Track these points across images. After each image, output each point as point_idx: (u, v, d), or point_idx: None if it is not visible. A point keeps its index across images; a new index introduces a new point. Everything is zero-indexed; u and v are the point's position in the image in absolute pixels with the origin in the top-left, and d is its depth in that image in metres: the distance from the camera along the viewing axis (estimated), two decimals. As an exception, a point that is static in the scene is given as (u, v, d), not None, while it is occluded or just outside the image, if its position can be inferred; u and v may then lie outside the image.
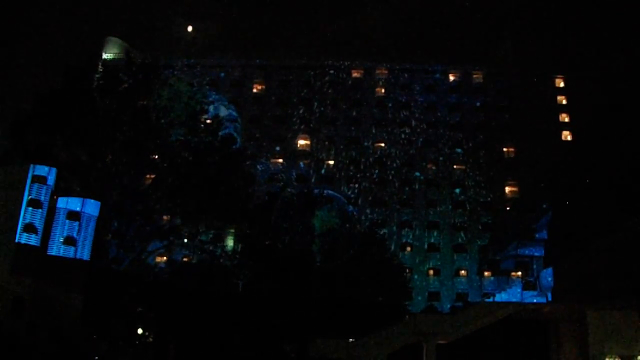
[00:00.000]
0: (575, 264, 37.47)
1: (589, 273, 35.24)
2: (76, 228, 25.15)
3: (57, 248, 24.76)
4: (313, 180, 77.17)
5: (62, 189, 29.40)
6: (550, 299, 40.79)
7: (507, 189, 77.28)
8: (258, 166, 73.12)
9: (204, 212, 41.35)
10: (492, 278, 70.07)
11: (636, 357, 35.10)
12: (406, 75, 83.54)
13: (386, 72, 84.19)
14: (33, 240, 23.92)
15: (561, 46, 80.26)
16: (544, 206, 45.85)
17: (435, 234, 75.15)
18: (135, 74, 42.03)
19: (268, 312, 37.01)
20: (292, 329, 37.66)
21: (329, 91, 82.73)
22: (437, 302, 71.30)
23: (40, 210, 24.13)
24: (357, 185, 78.06)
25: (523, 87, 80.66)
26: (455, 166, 78.67)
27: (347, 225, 50.90)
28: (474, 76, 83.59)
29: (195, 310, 34.67)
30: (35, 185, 24.28)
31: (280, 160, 79.67)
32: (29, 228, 23.81)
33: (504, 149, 79.27)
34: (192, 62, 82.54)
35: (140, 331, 33.77)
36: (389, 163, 78.87)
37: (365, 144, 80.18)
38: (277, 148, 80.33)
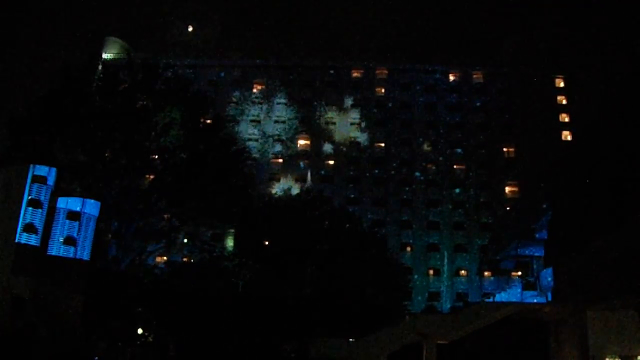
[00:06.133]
0: (575, 264, 37.42)
1: (589, 273, 35.19)
2: (76, 228, 25.13)
3: (57, 248, 24.73)
4: (313, 180, 77.16)
5: (62, 189, 29.38)
6: (550, 299, 40.70)
7: (507, 189, 77.32)
8: (258, 166, 73.16)
9: (204, 212, 41.37)
10: (492, 278, 69.94)
11: (636, 357, 35.05)
12: (406, 75, 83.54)
13: (386, 72, 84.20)
14: (33, 240, 23.89)
15: (561, 46, 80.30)
16: (544, 206, 45.76)
17: (435, 234, 75.14)
18: (135, 74, 42.02)
19: (268, 312, 37.00)
20: (292, 329, 37.65)
21: (329, 91, 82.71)
22: (437, 302, 71.31)
23: (40, 210, 24.10)
24: (357, 185, 78.06)
25: (523, 87, 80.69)
26: (455, 166, 78.70)
27: (348, 225, 50.82)
28: (474, 76, 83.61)
29: (195, 310, 34.66)
30: (35, 185, 24.25)
31: (280, 160, 79.67)
32: (29, 228, 23.78)
33: (504, 149, 79.31)
34: (192, 62, 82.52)
35: (140, 331, 33.76)
36: (389, 163, 78.87)
37: (366, 144, 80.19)
38: (277, 148, 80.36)
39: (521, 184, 75.99)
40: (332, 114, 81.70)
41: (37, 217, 24.03)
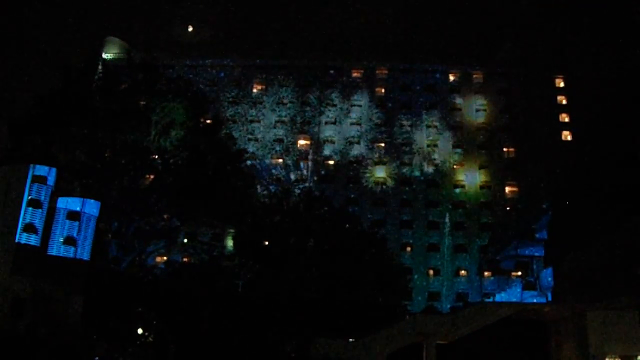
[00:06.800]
0: (575, 264, 37.46)
1: (589, 273, 35.24)
2: (76, 228, 25.15)
3: (57, 248, 24.76)
4: (313, 180, 77.20)
5: (62, 189, 29.38)
6: (550, 299, 40.76)
7: (507, 189, 77.26)
8: (258, 166, 73.25)
9: (204, 212, 41.37)
10: (492, 278, 70.00)
11: (636, 357, 35.08)
12: (406, 75, 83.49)
13: (386, 72, 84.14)
14: (33, 240, 23.92)
15: (561, 46, 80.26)
16: (544, 206, 45.87)
17: (435, 234, 75.13)
18: (135, 74, 42.05)
19: (268, 312, 37.00)
20: (292, 329, 37.64)
21: (329, 91, 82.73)
22: (437, 302, 71.28)
23: (40, 210, 24.13)
24: (357, 185, 78.07)
25: (523, 87, 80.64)
26: (455, 166, 78.67)
27: (348, 225, 50.81)
28: (474, 76, 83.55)
29: (195, 311, 34.66)
30: (35, 185, 24.28)
31: (280, 160, 79.68)
32: (29, 228, 23.81)
33: (504, 149, 79.26)
34: (192, 62, 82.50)
35: (140, 331, 33.75)
36: (389, 163, 78.88)
37: (366, 144, 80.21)
38: (277, 148, 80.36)
39: (521, 184, 75.96)
40: (332, 114, 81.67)
41: (37, 217, 24.06)
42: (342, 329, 38.77)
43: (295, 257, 43.99)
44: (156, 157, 41.84)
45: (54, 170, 25.19)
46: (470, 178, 77.68)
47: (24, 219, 23.81)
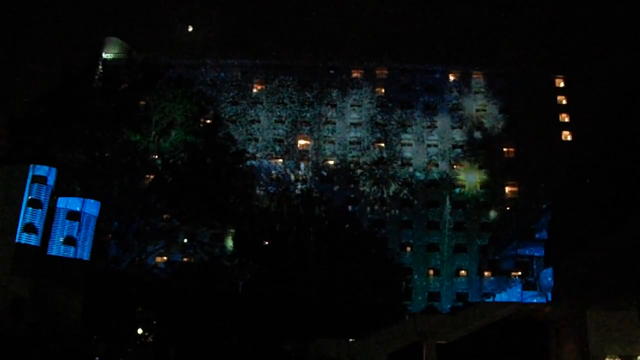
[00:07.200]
0: (575, 264, 37.43)
1: (589, 273, 35.21)
2: (76, 228, 25.11)
3: (57, 248, 24.72)
4: (313, 180, 77.20)
5: (62, 189, 29.38)
6: (550, 299, 40.69)
7: (507, 189, 77.30)
8: (257, 166, 73.24)
9: (204, 212, 41.39)
10: (492, 278, 70.07)
11: (636, 357, 35.05)
12: (406, 75, 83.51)
13: (386, 72, 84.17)
14: (33, 240, 23.89)
15: (561, 46, 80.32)
16: (544, 206, 45.87)
17: (435, 234, 75.15)
18: (136, 74, 42.06)
19: (268, 312, 37.01)
20: (292, 329, 37.65)
21: (329, 91, 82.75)
22: (437, 302, 71.31)
23: (40, 210, 24.10)
24: (357, 186, 78.07)
25: (523, 87, 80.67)
26: (455, 166, 78.70)
27: (347, 225, 50.83)
28: (474, 76, 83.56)
29: (195, 311, 34.67)
30: (35, 185, 24.25)
31: (280, 160, 79.70)
32: (29, 228, 23.79)
33: (504, 149, 79.28)
34: (192, 62, 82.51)
35: (140, 331, 33.75)
36: (388, 163, 78.90)
37: (366, 144, 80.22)
38: (277, 148, 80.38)
39: (521, 184, 75.98)
40: (332, 114, 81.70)
41: (37, 217, 24.03)
42: (342, 329, 38.77)
43: (295, 257, 44.00)
44: (156, 157, 41.85)
45: (54, 170, 25.15)
46: (470, 178, 77.73)
47: (24, 219, 23.79)
